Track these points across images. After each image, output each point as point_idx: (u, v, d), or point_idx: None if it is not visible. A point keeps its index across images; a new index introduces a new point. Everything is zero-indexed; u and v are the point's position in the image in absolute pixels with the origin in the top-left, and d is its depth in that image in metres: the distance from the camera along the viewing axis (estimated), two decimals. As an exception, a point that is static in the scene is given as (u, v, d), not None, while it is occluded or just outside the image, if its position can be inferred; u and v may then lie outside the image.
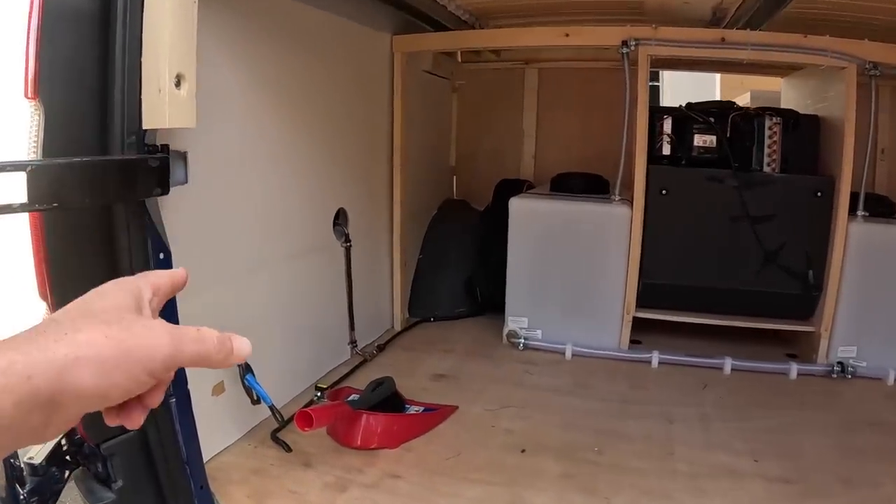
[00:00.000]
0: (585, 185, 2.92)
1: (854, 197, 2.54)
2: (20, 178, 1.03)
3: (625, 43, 2.53)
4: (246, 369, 1.78)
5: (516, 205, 2.73)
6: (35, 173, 1.05)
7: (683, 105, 2.77)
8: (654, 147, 2.67)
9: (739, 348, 2.67)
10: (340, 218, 2.46)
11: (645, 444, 1.97)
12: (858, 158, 2.52)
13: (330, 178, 2.38)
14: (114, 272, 1.28)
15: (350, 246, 2.47)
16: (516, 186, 3.24)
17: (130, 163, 1.23)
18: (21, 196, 1.06)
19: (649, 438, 2.01)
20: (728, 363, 2.54)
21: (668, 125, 2.69)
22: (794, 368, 2.51)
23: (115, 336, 0.45)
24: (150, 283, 0.55)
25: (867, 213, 2.56)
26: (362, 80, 2.59)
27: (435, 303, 3.10)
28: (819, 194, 2.56)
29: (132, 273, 0.64)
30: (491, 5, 2.70)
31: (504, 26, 2.93)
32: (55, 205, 1.11)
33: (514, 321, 2.78)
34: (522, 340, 2.74)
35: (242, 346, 0.53)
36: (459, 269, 3.16)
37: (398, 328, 2.97)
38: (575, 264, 2.70)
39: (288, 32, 2.05)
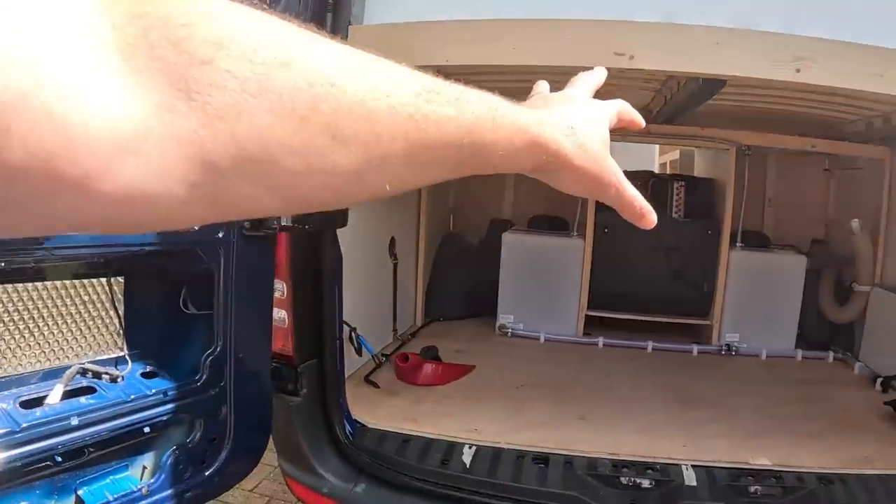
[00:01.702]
0: (551, 224, 4.16)
1: (734, 234, 3.80)
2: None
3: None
4: (352, 329, 2.90)
5: (508, 238, 3.97)
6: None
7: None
8: (602, 199, 3.91)
9: (658, 336, 3.89)
10: (392, 243, 3.61)
11: (594, 386, 3.16)
12: (738, 207, 3.78)
13: (388, 216, 3.54)
14: (322, 274, 2.38)
15: (396, 263, 3.63)
16: (504, 225, 4.43)
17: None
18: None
19: (596, 383, 3.20)
20: (650, 345, 3.77)
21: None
22: (695, 348, 3.77)
23: (595, 154, 0.60)
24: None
25: (743, 245, 3.83)
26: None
27: (443, 307, 4.24)
28: (710, 232, 3.85)
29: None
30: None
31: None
32: (307, 227, 2.25)
33: (504, 317, 3.97)
34: (510, 330, 3.93)
35: (651, 221, 0.68)
36: (462, 282, 4.32)
37: (419, 324, 4.11)
38: (546, 278, 3.93)
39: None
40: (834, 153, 3.89)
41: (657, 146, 6.09)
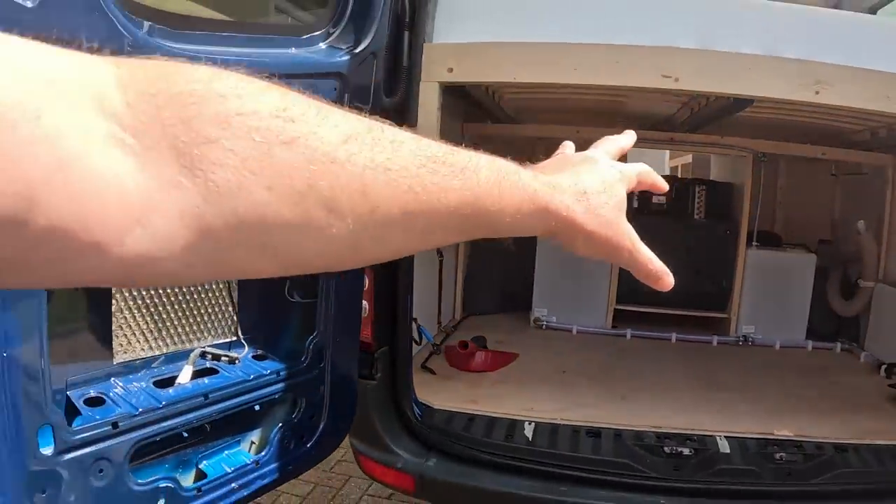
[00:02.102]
0: (581, 223, 4.48)
1: (750, 234, 4.15)
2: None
3: (611, 138, 4.12)
4: (414, 319, 3.21)
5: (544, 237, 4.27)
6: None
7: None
8: (630, 202, 4.26)
9: (680, 328, 4.23)
10: (439, 240, 3.93)
11: (629, 372, 3.50)
12: (753, 209, 4.13)
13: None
14: (398, 267, 2.67)
15: (442, 260, 3.95)
16: (534, 225, 4.76)
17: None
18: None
19: (631, 369, 3.54)
20: (674, 336, 4.11)
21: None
22: (715, 339, 4.11)
23: (607, 219, 0.63)
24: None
25: (759, 244, 4.17)
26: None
27: (479, 302, 4.56)
28: (728, 232, 4.19)
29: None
30: (524, 108, 4.23)
31: (529, 121, 4.47)
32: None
33: (539, 311, 4.31)
34: (545, 323, 4.26)
35: (667, 283, 0.73)
36: (495, 280, 4.64)
37: (458, 318, 4.43)
38: (578, 275, 4.25)
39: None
40: (841, 160, 4.24)
41: (668, 151, 6.42)
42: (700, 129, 4.01)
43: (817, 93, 2.46)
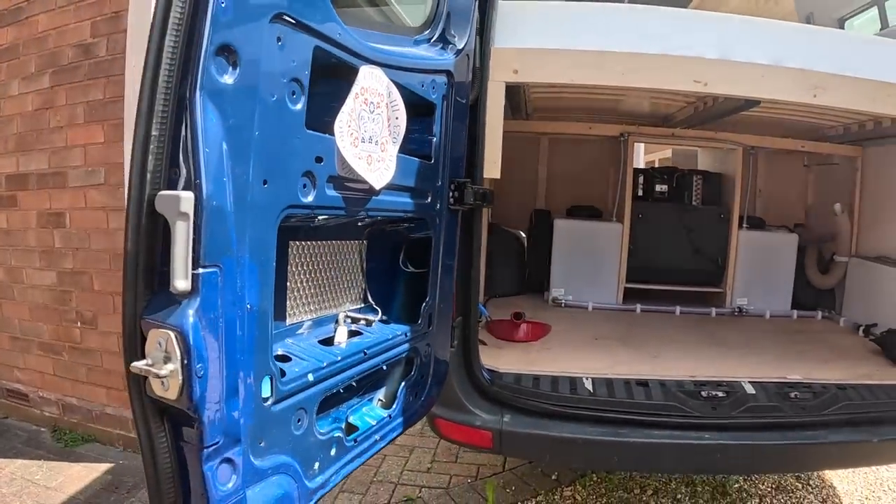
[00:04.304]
0: (589, 212, 5.10)
1: (741, 218, 4.82)
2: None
3: (622, 134, 4.74)
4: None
5: (560, 223, 4.90)
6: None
7: (649, 168, 5.02)
8: (636, 190, 4.90)
9: (681, 302, 4.88)
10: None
11: (650, 337, 4.10)
12: (743, 196, 4.81)
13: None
14: (472, 245, 3.16)
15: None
16: (545, 214, 5.34)
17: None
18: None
19: (651, 335, 4.15)
20: (678, 309, 4.78)
21: (641, 179, 4.92)
22: (714, 311, 4.78)
23: None
24: None
25: (748, 226, 4.86)
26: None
27: (497, 285, 5.10)
28: (722, 216, 4.87)
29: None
30: (542, 106, 4.78)
31: (545, 119, 5.04)
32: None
33: (556, 290, 4.91)
34: (563, 301, 4.85)
35: None
36: (511, 265, 5.20)
37: (482, 300, 4.96)
38: (592, 257, 4.88)
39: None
40: (813, 152, 4.97)
41: (643, 145, 7.10)
42: (698, 126, 4.65)
43: (815, 96, 3.08)
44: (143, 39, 3.17)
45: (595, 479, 4.23)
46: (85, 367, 4.67)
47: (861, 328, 4.30)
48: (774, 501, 4.02)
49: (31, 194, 4.70)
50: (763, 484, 4.21)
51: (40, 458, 4.37)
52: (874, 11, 4.59)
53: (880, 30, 4.49)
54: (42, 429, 4.83)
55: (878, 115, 3.68)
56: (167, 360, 1.39)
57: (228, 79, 1.48)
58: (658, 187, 5.07)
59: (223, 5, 1.44)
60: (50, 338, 4.79)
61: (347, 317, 2.51)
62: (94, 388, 4.66)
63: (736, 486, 4.15)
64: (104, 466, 4.28)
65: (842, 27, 4.95)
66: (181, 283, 1.40)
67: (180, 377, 1.39)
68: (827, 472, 4.35)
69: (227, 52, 1.47)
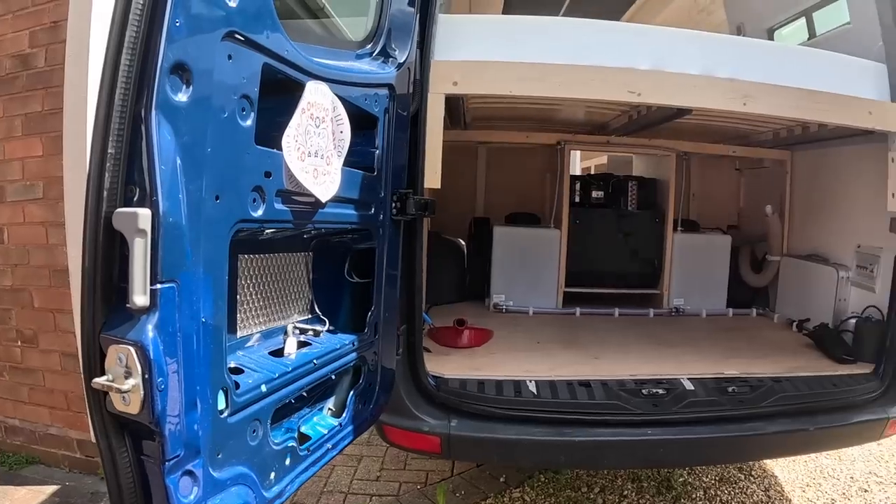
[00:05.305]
0: (526, 219, 5.24)
1: (675, 221, 5.02)
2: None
3: (559, 142, 4.89)
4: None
5: (499, 231, 5.01)
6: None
7: (586, 174, 5.19)
8: (573, 197, 5.05)
9: (620, 304, 5.06)
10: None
11: (591, 339, 4.25)
12: (677, 200, 5.02)
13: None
14: (414, 253, 3.25)
15: (417, 254, 4.56)
16: (484, 221, 5.45)
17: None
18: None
19: (591, 338, 4.29)
20: (617, 311, 4.95)
21: (578, 185, 5.08)
22: (651, 311, 4.97)
23: None
24: None
25: (683, 229, 5.07)
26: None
27: (440, 293, 5.18)
28: (657, 220, 5.07)
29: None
30: (480, 115, 4.90)
31: (483, 128, 5.16)
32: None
33: (497, 296, 5.03)
34: (504, 307, 4.96)
35: None
36: (452, 273, 5.30)
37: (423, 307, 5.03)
38: (531, 262, 5.00)
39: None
40: (745, 157, 5.22)
41: (579, 152, 7.32)
42: (633, 134, 4.83)
43: (745, 104, 3.26)
44: (84, 50, 3.18)
45: (543, 479, 4.34)
46: (27, 388, 4.58)
47: (794, 323, 4.54)
48: (719, 492, 4.18)
49: (-32, 210, 4.57)
50: (707, 476, 4.38)
51: (-17, 484, 4.26)
52: (802, 21, 4.84)
53: (808, 39, 4.73)
54: (-16, 453, 4.70)
55: (805, 121, 3.91)
56: (128, 375, 1.43)
57: (182, 96, 1.53)
58: (595, 193, 5.25)
59: (178, 24, 1.49)
60: (-11, 358, 4.68)
61: (296, 328, 2.57)
62: (36, 409, 4.57)
63: (681, 479, 4.31)
64: (50, 489, 4.20)
65: (771, 37, 5.19)
66: (140, 298, 1.44)
67: (142, 392, 1.43)
68: (768, 461, 4.57)
69: (181, 70, 1.52)
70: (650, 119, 4.18)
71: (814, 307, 4.48)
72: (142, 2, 1.45)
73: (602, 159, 7.15)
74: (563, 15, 6.59)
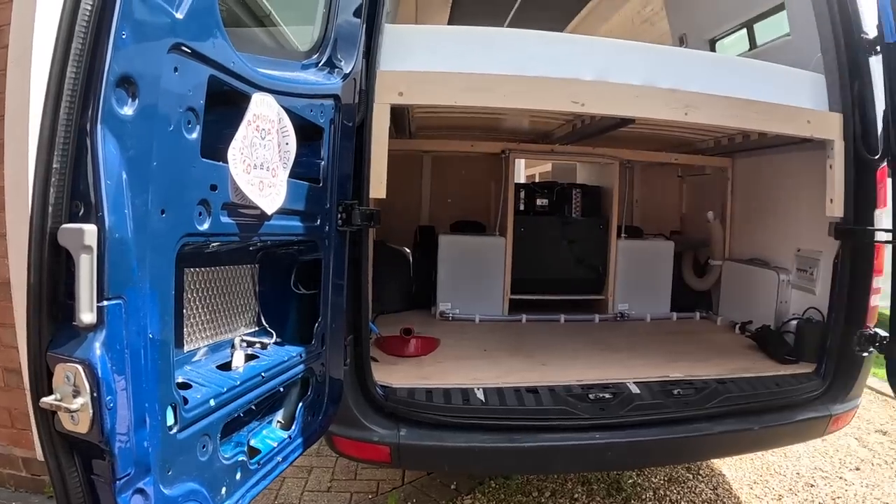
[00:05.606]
0: (470, 227, 5.30)
1: (619, 228, 5.13)
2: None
3: (503, 151, 4.96)
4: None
5: (444, 239, 5.05)
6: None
7: (530, 182, 5.26)
8: (517, 205, 5.12)
9: (566, 310, 5.15)
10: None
11: (538, 346, 4.30)
12: (621, 207, 5.13)
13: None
14: (360, 264, 3.25)
15: (364, 263, 4.56)
16: (429, 230, 5.49)
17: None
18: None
19: (538, 344, 4.35)
20: (562, 317, 5.03)
21: (523, 194, 5.16)
22: (597, 317, 5.07)
23: None
24: None
25: (627, 236, 5.19)
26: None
27: (386, 302, 5.20)
28: (601, 227, 5.17)
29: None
30: (425, 125, 4.94)
31: (428, 137, 5.20)
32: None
33: (443, 304, 5.06)
34: (450, 315, 5.00)
35: None
36: (398, 281, 5.31)
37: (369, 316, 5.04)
38: (477, 270, 5.05)
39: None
40: (686, 164, 5.36)
41: (523, 160, 7.42)
42: (576, 142, 4.93)
43: (686, 114, 3.36)
44: (27, 56, 3.10)
45: (494, 485, 4.36)
46: (-33, 406, 4.40)
47: (737, 326, 4.70)
48: (668, 493, 4.26)
49: None
50: (656, 477, 4.46)
51: (-82, 508, 4.10)
52: (744, 33, 4.99)
53: (749, 50, 4.88)
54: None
55: (745, 130, 4.04)
56: (76, 394, 1.41)
57: (128, 109, 1.52)
58: (539, 201, 5.34)
59: (123, 36, 1.48)
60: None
61: (243, 341, 2.56)
62: (-22, 428, 4.40)
63: (630, 481, 4.37)
64: (-6, 510, 4.07)
65: (713, 48, 5.35)
66: (87, 315, 1.43)
67: (91, 410, 1.42)
68: (716, 460, 4.67)
69: (127, 83, 1.51)
70: (594, 128, 4.27)
71: (756, 310, 4.62)
72: (88, 14, 1.44)
73: (546, 167, 7.25)
74: (509, 25, 6.72)
